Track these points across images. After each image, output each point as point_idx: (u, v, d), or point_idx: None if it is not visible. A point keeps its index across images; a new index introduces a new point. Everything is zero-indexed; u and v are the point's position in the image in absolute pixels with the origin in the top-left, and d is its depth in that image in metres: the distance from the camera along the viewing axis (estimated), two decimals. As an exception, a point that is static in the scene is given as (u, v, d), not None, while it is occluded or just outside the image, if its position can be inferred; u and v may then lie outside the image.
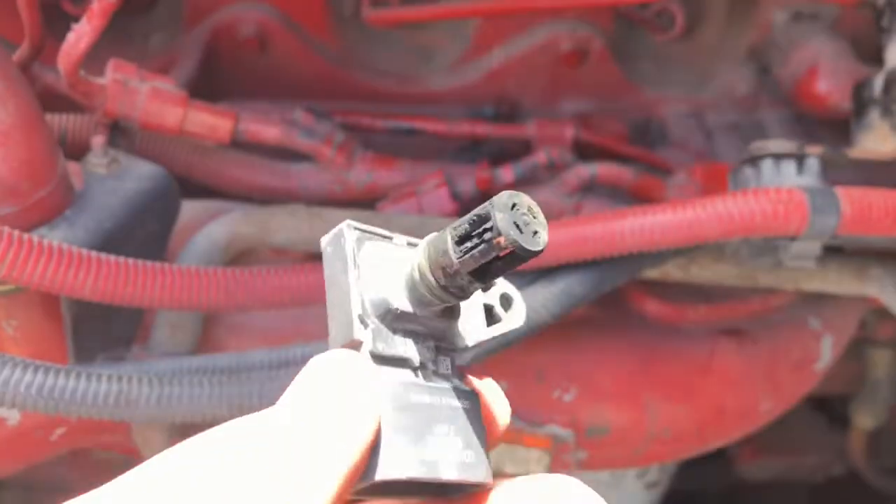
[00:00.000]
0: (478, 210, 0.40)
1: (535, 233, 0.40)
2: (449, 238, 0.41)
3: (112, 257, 0.98)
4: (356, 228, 0.44)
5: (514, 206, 0.40)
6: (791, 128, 1.53)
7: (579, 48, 1.48)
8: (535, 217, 0.40)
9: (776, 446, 1.90)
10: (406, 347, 0.44)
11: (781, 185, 1.08)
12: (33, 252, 0.92)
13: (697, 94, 1.59)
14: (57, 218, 1.03)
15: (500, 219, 0.39)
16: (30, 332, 1.06)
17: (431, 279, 0.42)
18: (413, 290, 0.44)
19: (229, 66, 1.44)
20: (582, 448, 1.25)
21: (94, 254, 0.97)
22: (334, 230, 0.44)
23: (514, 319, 0.50)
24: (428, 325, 0.45)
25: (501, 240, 0.39)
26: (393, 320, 0.43)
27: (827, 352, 1.35)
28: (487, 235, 0.40)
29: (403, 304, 0.43)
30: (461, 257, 0.40)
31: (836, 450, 1.90)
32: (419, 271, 0.43)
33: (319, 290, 1.13)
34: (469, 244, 0.40)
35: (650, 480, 1.73)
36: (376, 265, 0.43)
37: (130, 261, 1.00)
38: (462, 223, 0.41)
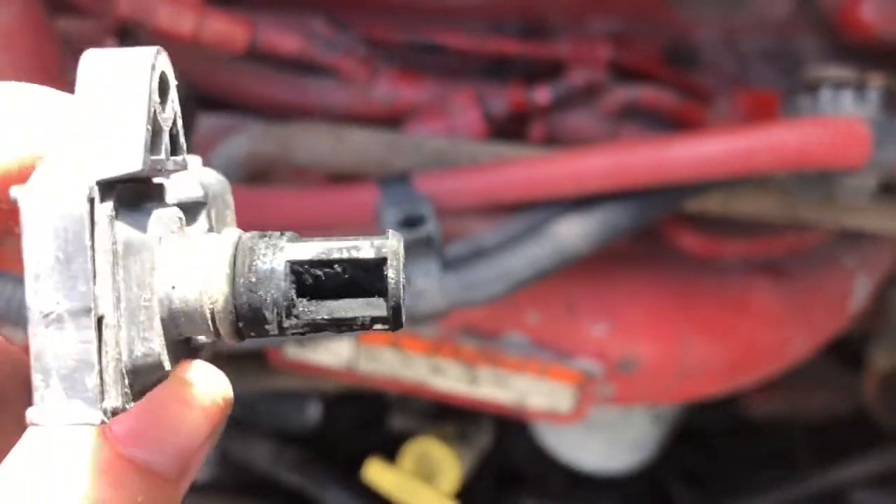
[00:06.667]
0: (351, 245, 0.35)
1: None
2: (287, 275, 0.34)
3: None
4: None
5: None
6: (830, 58, 1.45)
7: (610, -37, 1.39)
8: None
9: (784, 384, 1.88)
10: None
11: (841, 116, 1.02)
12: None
13: (732, 17, 1.51)
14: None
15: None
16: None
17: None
18: None
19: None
20: (610, 382, 1.21)
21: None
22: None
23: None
24: None
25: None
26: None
27: (860, 290, 1.31)
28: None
29: None
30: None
31: (844, 390, 1.88)
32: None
33: (340, 213, 1.07)
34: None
35: (657, 414, 1.71)
36: None
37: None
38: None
